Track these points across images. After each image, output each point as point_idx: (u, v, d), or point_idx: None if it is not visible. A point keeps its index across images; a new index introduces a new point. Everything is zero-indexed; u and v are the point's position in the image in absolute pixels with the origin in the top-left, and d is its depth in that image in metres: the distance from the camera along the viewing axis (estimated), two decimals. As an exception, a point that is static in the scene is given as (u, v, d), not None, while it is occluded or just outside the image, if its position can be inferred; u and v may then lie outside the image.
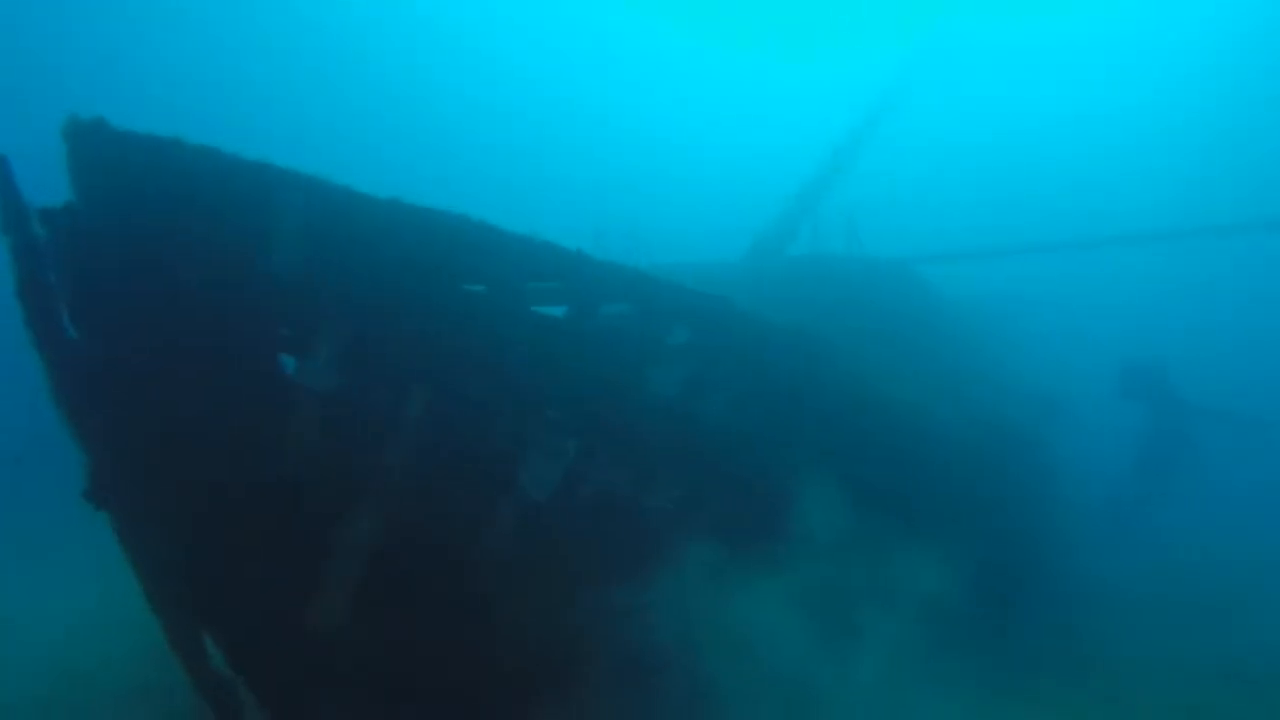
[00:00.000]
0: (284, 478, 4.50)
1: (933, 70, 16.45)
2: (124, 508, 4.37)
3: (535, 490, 5.57)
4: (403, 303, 4.63)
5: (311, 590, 4.62)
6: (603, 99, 43.26)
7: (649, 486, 5.83)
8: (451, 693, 5.16)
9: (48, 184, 4.00)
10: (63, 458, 4.57)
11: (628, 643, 5.52)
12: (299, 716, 4.84)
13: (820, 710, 6.02)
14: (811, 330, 6.25)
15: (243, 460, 4.42)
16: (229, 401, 4.37)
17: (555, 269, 4.92)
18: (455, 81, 42.50)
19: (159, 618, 4.57)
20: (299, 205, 4.25)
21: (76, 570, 9.39)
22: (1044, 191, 32.92)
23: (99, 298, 4.06)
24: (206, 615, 4.57)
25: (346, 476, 4.61)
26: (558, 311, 5.22)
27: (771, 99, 41.27)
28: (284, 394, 4.50)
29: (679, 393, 5.77)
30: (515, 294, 4.89)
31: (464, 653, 5.12)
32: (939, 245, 13.94)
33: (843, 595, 6.22)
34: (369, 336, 4.61)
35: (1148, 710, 7.23)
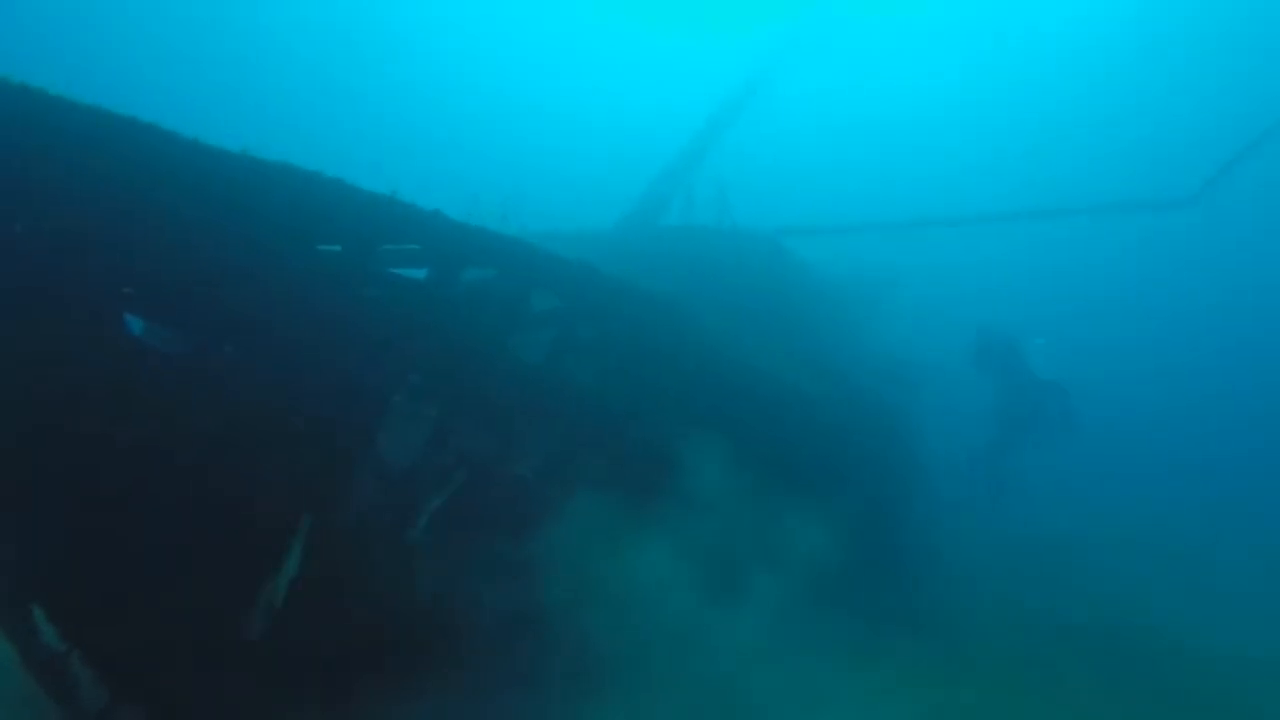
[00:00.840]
0: (126, 441, 4.29)
1: (810, 46, 16.68)
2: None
3: (396, 455, 5.48)
4: (254, 261, 4.45)
5: (158, 557, 4.43)
6: (478, 65, 42.43)
7: (514, 453, 5.81)
8: (312, 663, 5.04)
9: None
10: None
11: (497, 609, 5.50)
12: (144, 693, 4.64)
13: (693, 667, 6.15)
14: (674, 298, 6.32)
15: (82, 422, 4.19)
16: (68, 361, 4.13)
17: (414, 230, 4.81)
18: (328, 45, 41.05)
19: None
20: (141, 154, 4.02)
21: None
22: (919, 168, 33.95)
23: None
24: (38, 585, 4.33)
25: (194, 440, 4.43)
26: (419, 274, 5.12)
27: (649, 68, 41.25)
28: (128, 355, 4.28)
29: (544, 359, 5.75)
30: (372, 255, 4.77)
31: (324, 622, 5.00)
32: (812, 219, 14.25)
33: (712, 558, 6.37)
34: (219, 296, 4.42)
35: (987, 663, 7.68)
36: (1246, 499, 17.97)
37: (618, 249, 10.07)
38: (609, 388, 6.17)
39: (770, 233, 11.52)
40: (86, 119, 3.85)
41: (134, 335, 4.48)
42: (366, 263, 4.78)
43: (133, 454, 4.28)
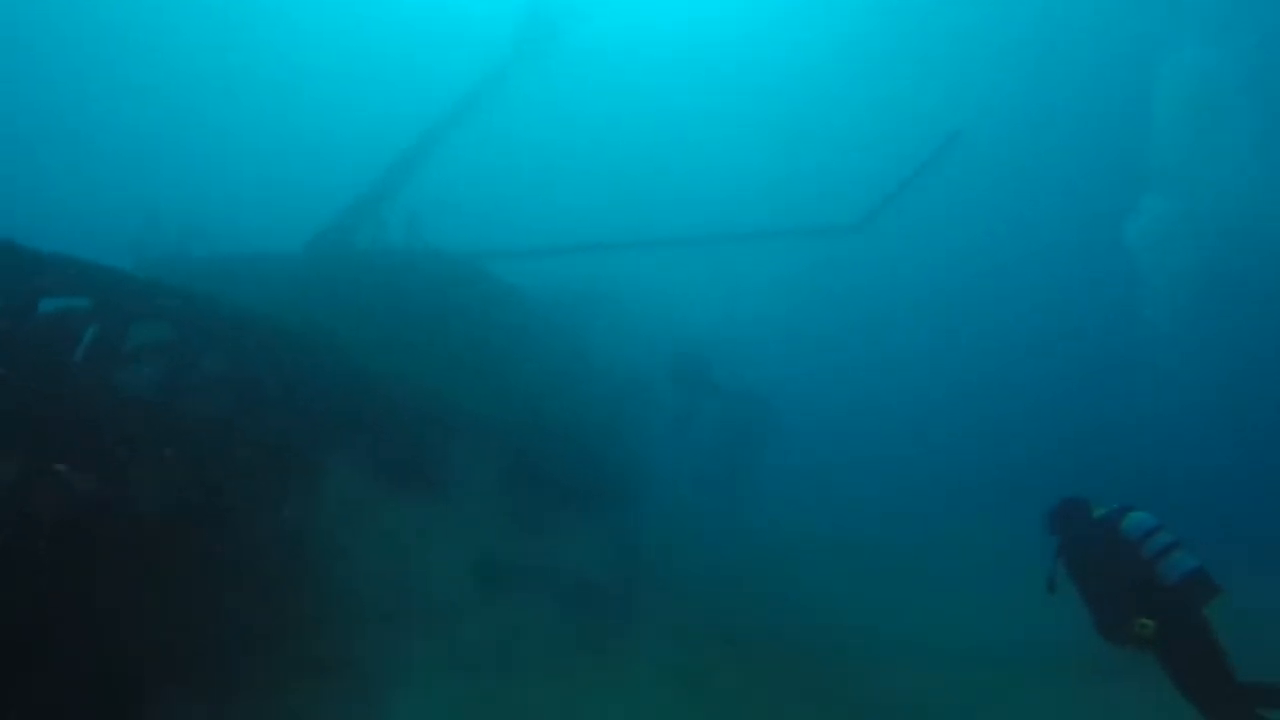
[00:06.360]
0: None
1: (523, 67, 16.87)
2: None
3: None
4: None
5: None
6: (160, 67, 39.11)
7: (128, 490, 5.52)
8: None
9: None
10: None
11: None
12: None
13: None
14: (308, 325, 6.25)
15: None
16: None
17: None
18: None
19: None
20: None
21: None
22: (625, 193, 34.79)
23: None
24: None
25: None
26: None
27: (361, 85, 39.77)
28: None
29: (157, 392, 5.50)
30: None
31: None
32: (518, 241, 14.42)
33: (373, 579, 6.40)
34: None
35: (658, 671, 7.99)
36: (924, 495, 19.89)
37: (305, 273, 9.81)
38: (249, 417, 5.99)
39: (468, 255, 11.56)
40: None
41: None
42: None
43: None
